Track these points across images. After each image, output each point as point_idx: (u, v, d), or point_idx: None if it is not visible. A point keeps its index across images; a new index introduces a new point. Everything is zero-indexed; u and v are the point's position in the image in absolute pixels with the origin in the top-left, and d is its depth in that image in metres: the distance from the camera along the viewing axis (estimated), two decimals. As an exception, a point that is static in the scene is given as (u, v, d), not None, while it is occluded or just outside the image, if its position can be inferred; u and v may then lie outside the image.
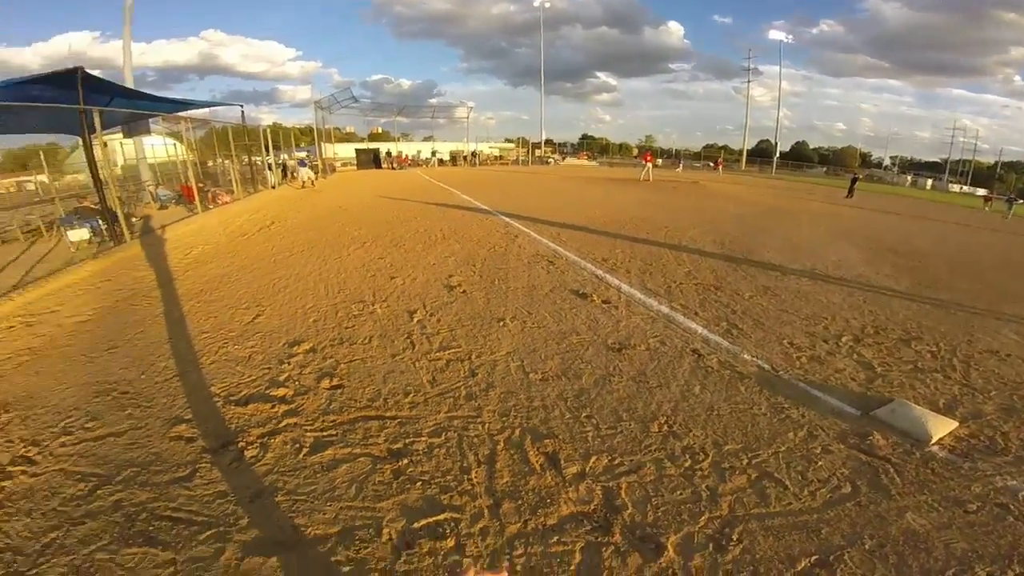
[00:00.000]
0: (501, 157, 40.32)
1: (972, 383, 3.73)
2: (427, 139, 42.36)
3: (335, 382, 3.39)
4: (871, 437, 2.92)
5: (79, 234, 7.70)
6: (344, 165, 31.66)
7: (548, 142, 51.75)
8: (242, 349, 3.91)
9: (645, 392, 3.31)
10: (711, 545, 2.08)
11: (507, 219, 10.07)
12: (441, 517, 2.19)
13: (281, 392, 3.25)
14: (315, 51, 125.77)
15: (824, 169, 59.71)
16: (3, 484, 2.36)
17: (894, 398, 3.38)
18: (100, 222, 8.04)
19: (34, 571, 1.89)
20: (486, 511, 2.23)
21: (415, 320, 4.49)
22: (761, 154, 56.93)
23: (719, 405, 3.20)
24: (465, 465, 2.54)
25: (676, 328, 4.44)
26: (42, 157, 16.79)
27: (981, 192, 37.61)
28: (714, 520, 2.22)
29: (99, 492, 2.32)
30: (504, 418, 2.97)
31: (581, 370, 3.59)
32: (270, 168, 18.14)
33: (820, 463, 2.66)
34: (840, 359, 4.01)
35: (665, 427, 2.93)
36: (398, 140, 37.88)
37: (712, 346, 4.09)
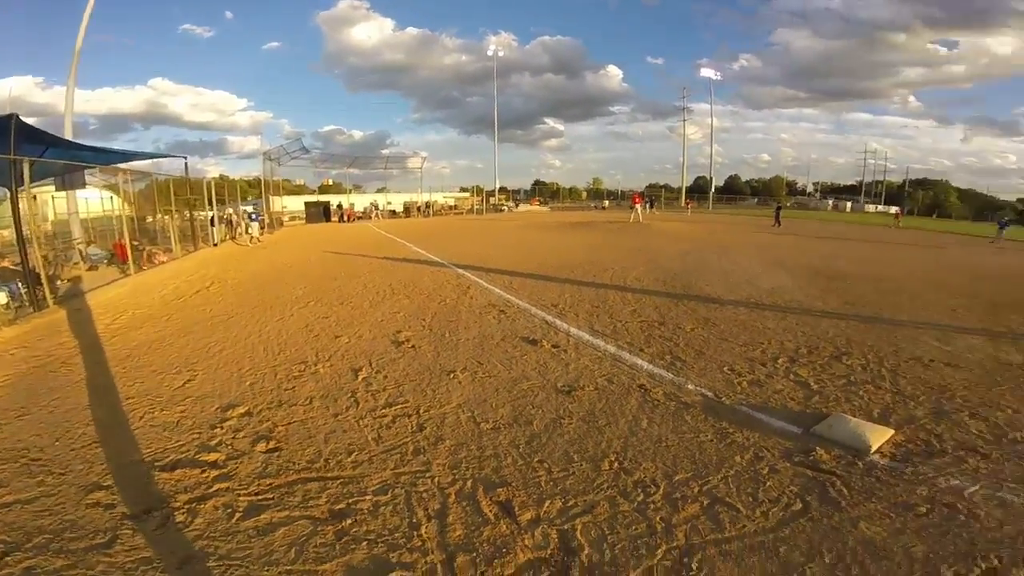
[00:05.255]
0: (455, 206, 40.72)
1: (902, 390, 3.99)
2: (380, 190, 42.35)
3: (271, 445, 3.22)
4: (814, 453, 3.03)
5: (-6, 299, 7.06)
6: (292, 219, 31.07)
7: (502, 189, 53.05)
8: (170, 414, 3.67)
9: (595, 431, 3.32)
10: (671, 577, 2.05)
11: (460, 270, 10.09)
12: None
13: (212, 457, 3.07)
14: (267, 101, 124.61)
15: (756, 200, 64.38)
16: None
17: (831, 413, 3.54)
18: (20, 285, 7.46)
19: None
20: (439, 566, 2.14)
21: (360, 378, 4.35)
22: (698, 190, 60.37)
23: (667, 436, 3.25)
24: (414, 521, 2.44)
25: (623, 366, 4.53)
26: (-40, 212, 15.47)
27: (894, 210, 41.30)
28: (672, 551, 2.22)
29: (7, 559, 2.13)
30: (455, 470, 2.90)
31: (532, 415, 3.57)
32: (213, 223, 17.53)
33: (769, 483, 2.73)
34: (778, 380, 4.20)
35: (616, 464, 2.93)
36: (350, 192, 37.71)
37: (657, 379, 4.19)
